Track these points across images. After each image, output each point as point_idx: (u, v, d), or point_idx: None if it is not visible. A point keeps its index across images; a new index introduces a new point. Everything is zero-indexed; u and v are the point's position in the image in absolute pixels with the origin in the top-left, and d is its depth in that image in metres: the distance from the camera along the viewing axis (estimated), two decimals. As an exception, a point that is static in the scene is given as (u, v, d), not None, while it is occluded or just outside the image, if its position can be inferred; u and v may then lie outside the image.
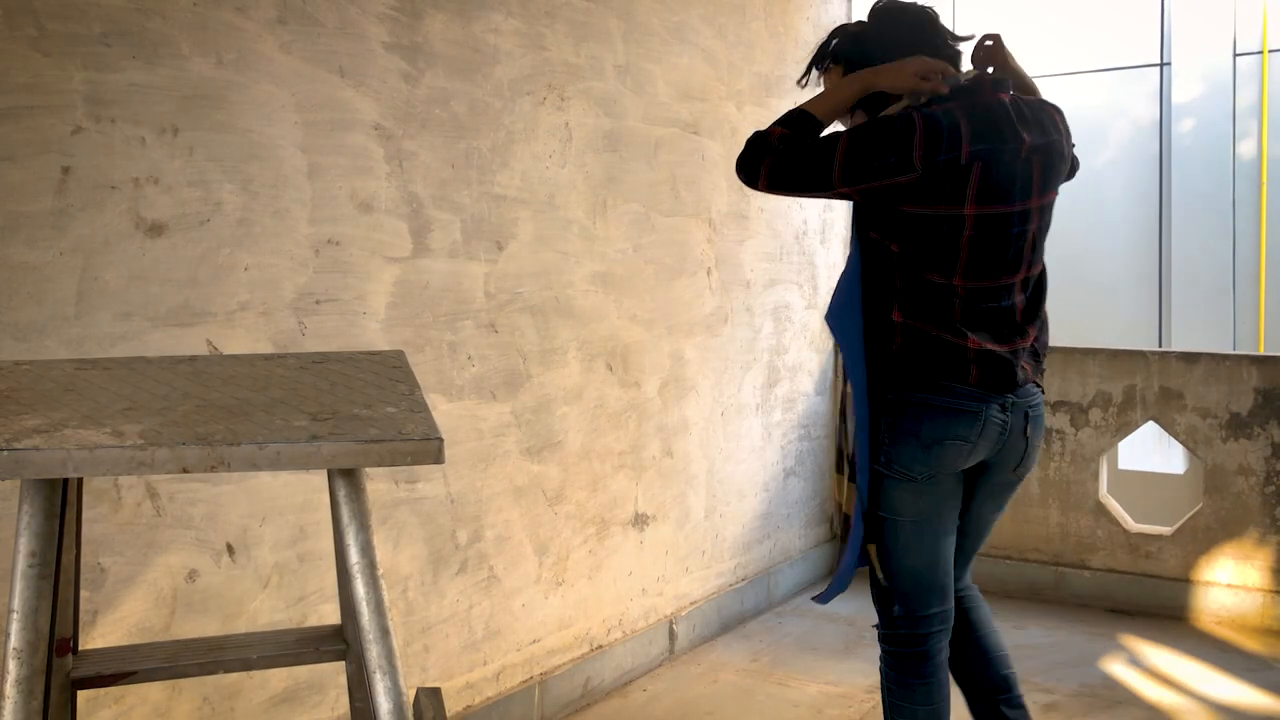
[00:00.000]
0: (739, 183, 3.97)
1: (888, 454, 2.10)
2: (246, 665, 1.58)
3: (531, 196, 3.07)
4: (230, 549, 2.32)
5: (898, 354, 2.08)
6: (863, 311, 2.11)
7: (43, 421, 1.24)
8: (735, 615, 4.07)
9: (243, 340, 2.32)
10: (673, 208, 3.67)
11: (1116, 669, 3.62)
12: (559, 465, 3.22)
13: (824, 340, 4.66)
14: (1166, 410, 4.17)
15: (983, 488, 2.24)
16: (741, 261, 4.06)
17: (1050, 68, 7.09)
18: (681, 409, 3.76)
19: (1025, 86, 2.23)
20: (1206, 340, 6.58)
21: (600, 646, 3.41)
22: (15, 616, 1.22)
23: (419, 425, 1.29)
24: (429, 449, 1.24)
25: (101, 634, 2.10)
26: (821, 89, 2.26)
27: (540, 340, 3.12)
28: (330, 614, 2.50)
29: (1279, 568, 3.98)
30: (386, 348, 2.63)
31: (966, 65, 2.24)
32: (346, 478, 1.30)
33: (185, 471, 1.18)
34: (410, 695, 1.93)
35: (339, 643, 1.63)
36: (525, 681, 3.12)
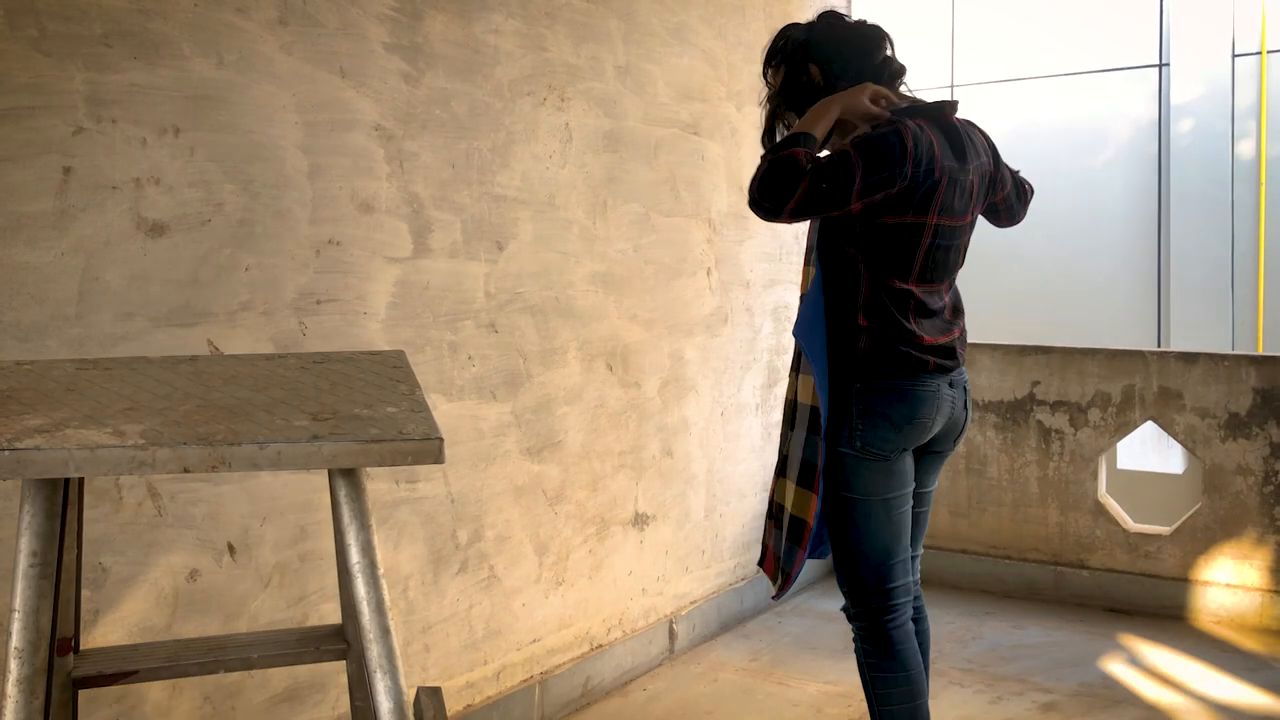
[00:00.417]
0: (739, 183, 3.99)
1: (862, 438, 2.27)
2: (247, 665, 1.59)
3: (532, 197, 3.07)
4: (231, 548, 2.33)
5: (865, 353, 2.26)
6: (827, 320, 2.31)
7: (44, 421, 1.24)
8: (735, 615, 4.08)
9: (244, 340, 2.33)
10: (673, 208, 3.68)
11: (1115, 668, 3.63)
12: (559, 465, 3.22)
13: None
14: (1165, 410, 4.17)
15: (929, 461, 2.47)
16: (741, 262, 4.07)
17: (1050, 68, 7.08)
18: (681, 409, 3.76)
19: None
20: (1205, 340, 6.58)
21: (600, 646, 3.42)
22: (17, 616, 1.23)
23: (419, 425, 1.30)
24: (429, 449, 1.25)
25: (103, 633, 2.10)
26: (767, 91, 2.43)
27: (540, 340, 3.13)
28: (331, 613, 2.51)
29: (1277, 567, 3.99)
30: (387, 348, 2.63)
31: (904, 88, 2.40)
32: (347, 477, 1.30)
33: (186, 471, 1.18)
34: (410, 694, 1.94)
35: (339, 642, 1.63)
36: (525, 681, 3.12)
